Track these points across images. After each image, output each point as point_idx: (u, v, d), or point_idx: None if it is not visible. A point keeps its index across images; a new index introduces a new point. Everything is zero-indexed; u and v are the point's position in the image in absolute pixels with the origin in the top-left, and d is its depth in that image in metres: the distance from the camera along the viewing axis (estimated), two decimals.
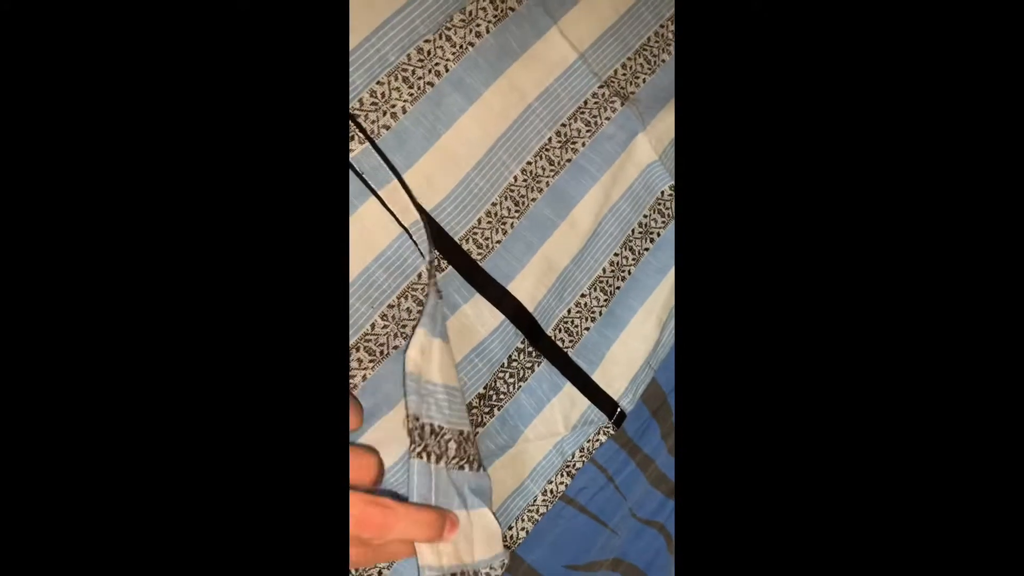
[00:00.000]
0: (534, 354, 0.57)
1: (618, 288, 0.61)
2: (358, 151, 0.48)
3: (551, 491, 0.58)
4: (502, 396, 0.56)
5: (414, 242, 0.50)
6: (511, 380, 0.56)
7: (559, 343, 0.58)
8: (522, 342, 0.56)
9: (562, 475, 0.59)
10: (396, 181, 0.49)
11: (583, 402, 0.59)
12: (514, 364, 0.56)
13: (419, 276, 0.51)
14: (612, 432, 0.60)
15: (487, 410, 0.56)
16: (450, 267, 0.53)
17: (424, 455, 0.45)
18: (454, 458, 0.47)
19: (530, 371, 0.57)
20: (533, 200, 0.57)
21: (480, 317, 0.54)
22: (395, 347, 0.50)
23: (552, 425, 0.58)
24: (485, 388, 0.55)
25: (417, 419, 0.45)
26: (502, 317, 0.55)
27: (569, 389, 0.59)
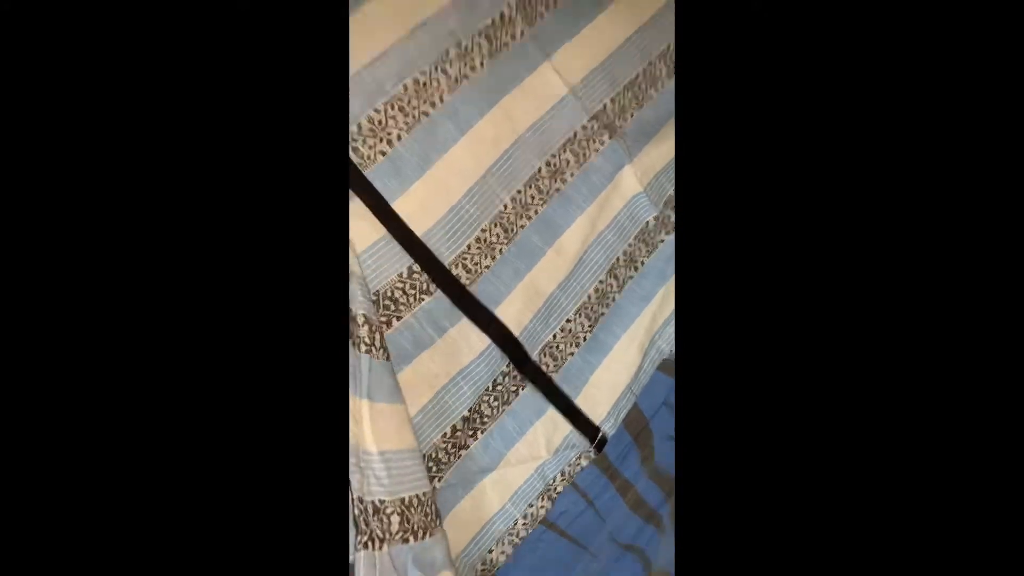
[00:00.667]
0: (519, 378, 0.58)
1: (602, 315, 0.63)
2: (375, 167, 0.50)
3: (532, 515, 0.59)
4: (486, 419, 0.57)
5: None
6: (495, 403, 0.58)
7: (544, 367, 0.60)
8: (507, 366, 0.58)
9: (543, 499, 0.60)
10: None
11: (566, 426, 0.60)
12: (499, 388, 0.57)
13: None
14: (593, 456, 0.62)
15: (471, 433, 0.57)
16: (439, 291, 0.54)
17: (370, 543, 0.44)
18: (397, 533, 0.47)
19: (514, 395, 0.58)
20: (522, 227, 0.59)
21: (467, 341, 0.56)
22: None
23: (535, 448, 0.60)
24: (470, 411, 0.56)
25: (361, 501, 0.45)
26: (488, 341, 0.56)
27: (552, 413, 0.60)
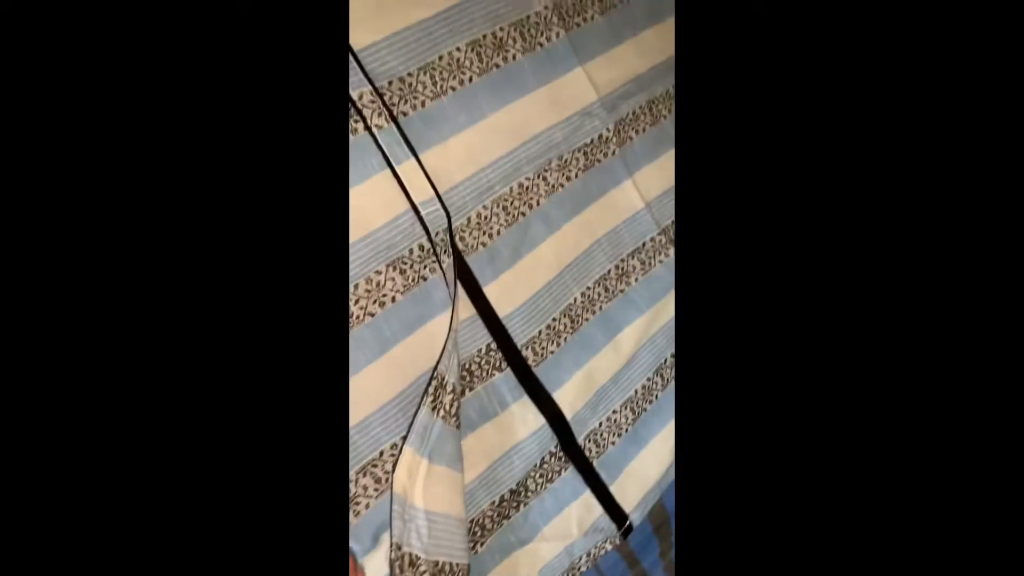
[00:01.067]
0: (563, 459, 0.63)
1: (645, 410, 0.68)
2: (447, 263, 0.56)
3: None
4: (530, 494, 0.62)
5: (489, 349, 0.58)
6: (540, 480, 0.62)
7: (587, 452, 0.65)
8: (555, 446, 0.63)
9: None
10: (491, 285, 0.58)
11: (598, 510, 0.65)
12: (545, 465, 0.62)
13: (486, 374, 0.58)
14: (618, 543, 0.66)
15: (515, 504, 0.61)
16: (508, 368, 0.60)
17: None
18: None
19: (558, 474, 0.63)
20: (587, 321, 0.65)
21: (524, 418, 0.61)
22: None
23: (567, 527, 0.64)
24: (517, 484, 0.61)
25: (399, 548, 0.48)
26: (543, 420, 0.62)
27: (588, 496, 0.64)
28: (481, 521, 0.58)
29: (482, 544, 0.58)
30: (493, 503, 0.59)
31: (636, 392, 0.68)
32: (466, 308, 0.57)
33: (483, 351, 0.58)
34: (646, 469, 0.68)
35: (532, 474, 0.62)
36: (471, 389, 0.58)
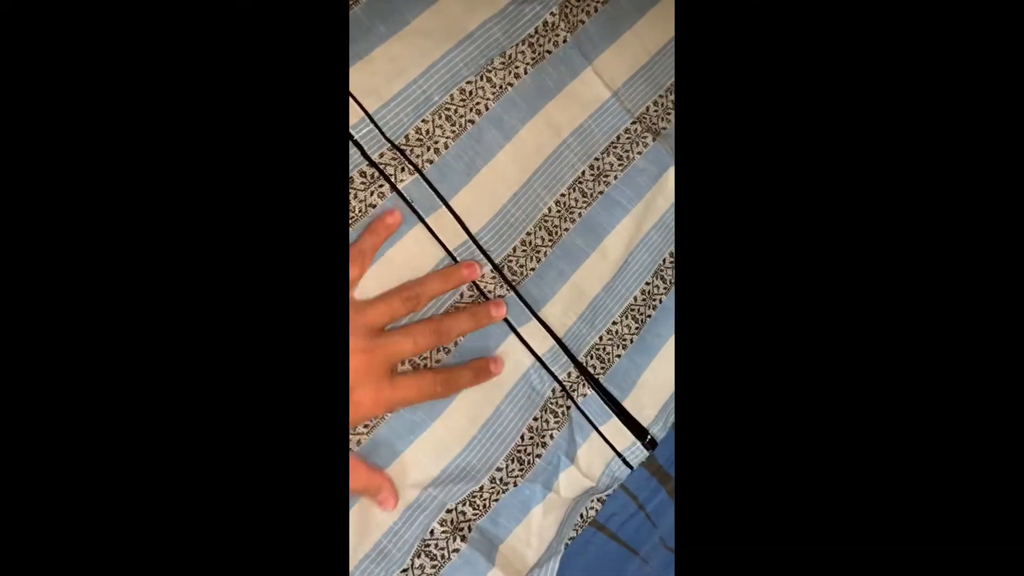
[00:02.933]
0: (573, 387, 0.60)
1: (649, 316, 0.64)
2: (408, 181, 0.53)
3: (582, 515, 0.61)
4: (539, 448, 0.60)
5: (455, 260, 0.55)
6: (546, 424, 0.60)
7: (591, 369, 0.61)
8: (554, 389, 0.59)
9: (593, 500, 0.61)
10: (444, 208, 0.55)
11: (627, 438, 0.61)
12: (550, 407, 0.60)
13: (461, 296, 0.55)
14: (644, 458, 0.63)
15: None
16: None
17: None
18: None
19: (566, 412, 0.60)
20: (566, 230, 0.61)
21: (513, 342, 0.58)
22: (437, 360, 0.54)
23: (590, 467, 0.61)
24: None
25: None
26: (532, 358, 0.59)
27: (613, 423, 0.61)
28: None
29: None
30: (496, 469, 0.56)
31: (636, 298, 0.64)
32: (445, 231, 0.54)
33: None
34: (660, 378, 0.64)
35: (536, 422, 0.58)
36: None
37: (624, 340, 0.63)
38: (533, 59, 0.59)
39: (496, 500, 0.56)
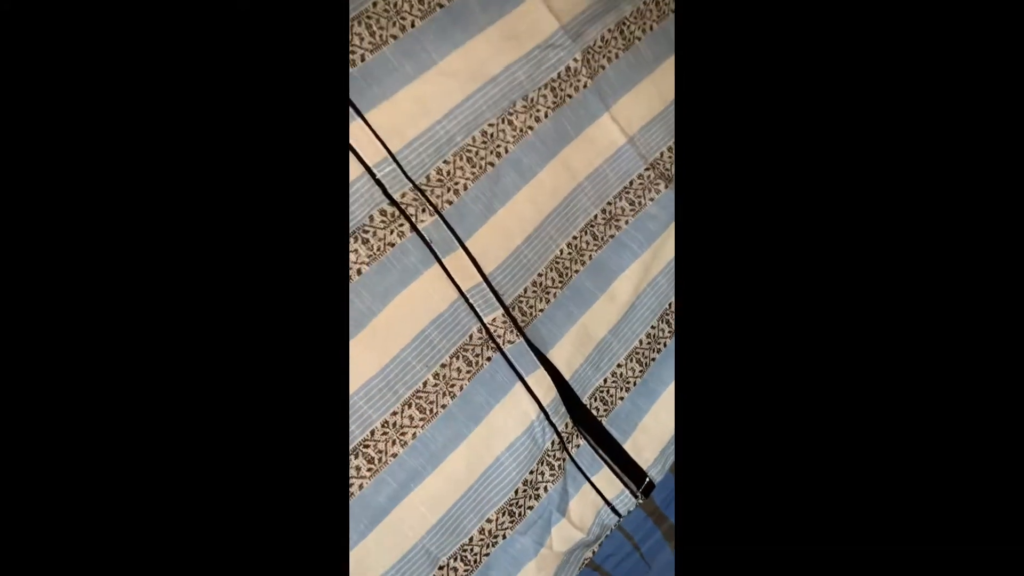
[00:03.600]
0: (569, 440, 0.60)
1: (653, 360, 0.66)
2: (428, 222, 0.54)
3: (579, 556, 0.62)
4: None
5: (468, 302, 0.55)
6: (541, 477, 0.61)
7: (594, 411, 0.62)
8: (552, 442, 0.60)
9: (586, 549, 0.62)
10: (460, 249, 0.55)
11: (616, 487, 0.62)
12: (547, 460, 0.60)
13: (470, 337, 0.56)
14: (640, 501, 0.64)
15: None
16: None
17: None
18: None
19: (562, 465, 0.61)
20: (576, 272, 0.62)
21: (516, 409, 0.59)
22: (443, 406, 0.55)
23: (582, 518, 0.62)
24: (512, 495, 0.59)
25: None
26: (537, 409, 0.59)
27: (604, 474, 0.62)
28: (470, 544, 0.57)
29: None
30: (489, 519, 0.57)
31: (641, 342, 0.65)
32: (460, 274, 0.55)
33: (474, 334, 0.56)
34: (661, 422, 0.65)
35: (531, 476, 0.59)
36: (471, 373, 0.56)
37: (628, 383, 0.64)
38: (554, 103, 0.60)
39: (486, 555, 0.56)
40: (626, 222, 0.64)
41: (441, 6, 0.54)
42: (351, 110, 0.51)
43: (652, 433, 0.65)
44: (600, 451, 0.62)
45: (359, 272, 0.51)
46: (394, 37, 0.52)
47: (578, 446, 0.61)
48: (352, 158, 0.51)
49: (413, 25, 0.53)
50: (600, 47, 0.63)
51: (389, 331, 0.52)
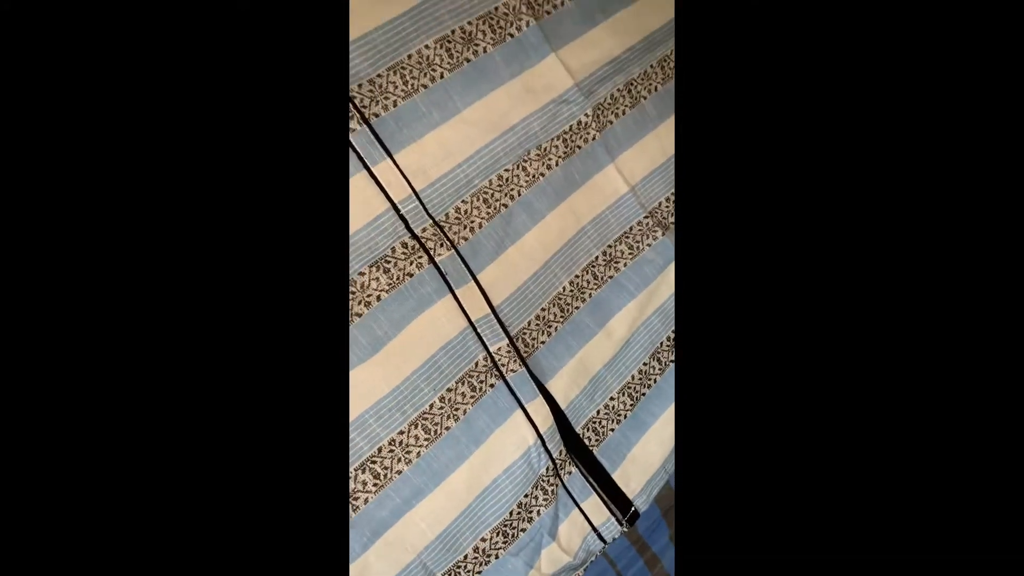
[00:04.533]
0: (561, 466, 0.65)
1: (643, 395, 0.70)
2: (445, 256, 0.59)
3: None
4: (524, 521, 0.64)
5: (476, 332, 0.60)
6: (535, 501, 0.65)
7: (586, 441, 0.67)
8: (547, 468, 0.64)
9: (571, 573, 0.66)
10: (473, 282, 0.60)
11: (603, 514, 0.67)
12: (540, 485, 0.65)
13: (476, 364, 0.60)
14: (625, 529, 0.68)
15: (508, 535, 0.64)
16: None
17: None
18: None
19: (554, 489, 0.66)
20: (576, 308, 0.67)
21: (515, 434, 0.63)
22: (447, 428, 0.59)
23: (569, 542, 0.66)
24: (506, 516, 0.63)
25: None
26: (535, 436, 0.64)
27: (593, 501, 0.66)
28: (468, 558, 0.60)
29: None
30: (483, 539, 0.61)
31: (633, 377, 0.70)
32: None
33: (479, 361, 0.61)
34: (648, 454, 0.70)
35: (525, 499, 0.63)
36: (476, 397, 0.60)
37: (619, 415, 0.69)
38: (565, 153, 0.66)
39: (479, 572, 0.60)
40: (624, 264, 0.70)
41: (468, 60, 0.60)
42: (382, 150, 0.56)
43: (640, 464, 0.69)
44: (590, 479, 0.66)
45: (378, 299, 0.56)
46: (424, 87, 0.58)
47: (570, 473, 0.65)
48: (379, 194, 0.56)
49: (442, 76, 0.59)
50: (609, 104, 0.69)
51: (402, 355, 0.57)
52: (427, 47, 0.58)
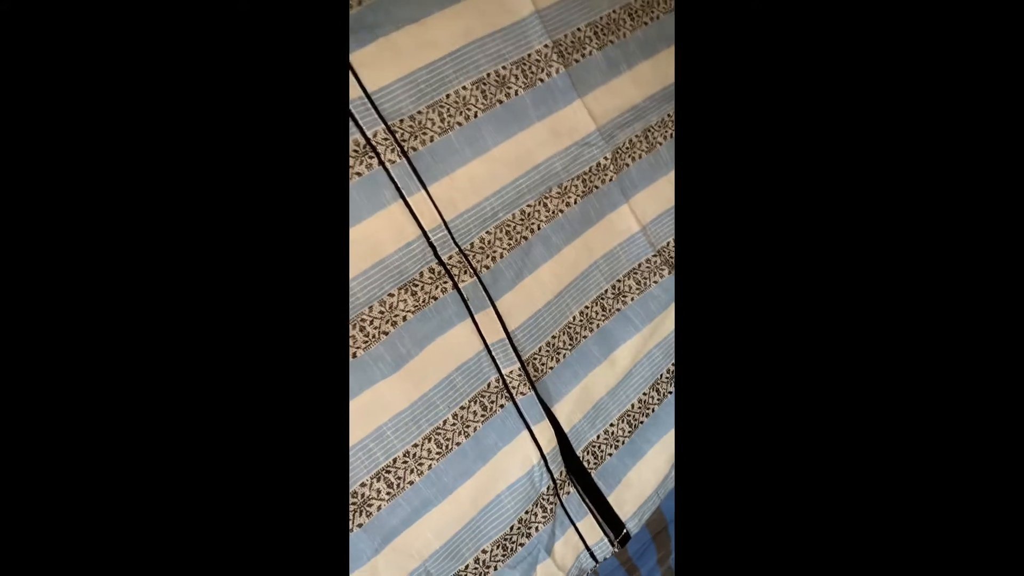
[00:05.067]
0: (561, 487, 0.69)
1: (641, 423, 0.75)
2: (468, 282, 0.63)
3: None
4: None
5: (491, 355, 0.64)
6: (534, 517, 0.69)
7: (585, 463, 0.71)
8: (548, 488, 0.68)
9: None
10: (491, 308, 0.64)
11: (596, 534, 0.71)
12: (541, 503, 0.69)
13: (488, 385, 0.64)
14: (616, 550, 0.72)
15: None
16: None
17: None
18: None
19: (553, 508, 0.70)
20: (584, 338, 0.71)
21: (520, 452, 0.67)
22: (458, 443, 0.63)
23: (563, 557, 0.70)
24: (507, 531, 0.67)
25: None
26: (538, 456, 0.68)
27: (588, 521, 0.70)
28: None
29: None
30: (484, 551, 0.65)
31: (633, 406, 0.74)
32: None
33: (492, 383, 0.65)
34: (643, 479, 0.74)
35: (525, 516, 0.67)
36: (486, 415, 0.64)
37: (618, 441, 0.73)
38: (583, 192, 0.71)
39: None
40: (632, 299, 0.74)
41: (501, 102, 0.65)
42: (418, 182, 0.60)
43: (634, 489, 0.73)
44: (587, 500, 0.70)
45: (404, 319, 0.60)
46: (459, 124, 0.63)
47: (568, 493, 0.69)
48: (412, 222, 0.60)
49: (476, 115, 0.64)
50: (627, 148, 0.74)
51: (422, 372, 0.61)
52: (464, 88, 0.63)
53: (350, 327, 0.57)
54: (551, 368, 0.69)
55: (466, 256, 0.64)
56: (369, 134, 0.58)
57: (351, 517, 0.58)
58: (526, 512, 0.66)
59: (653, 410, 0.75)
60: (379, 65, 0.58)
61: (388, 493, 0.60)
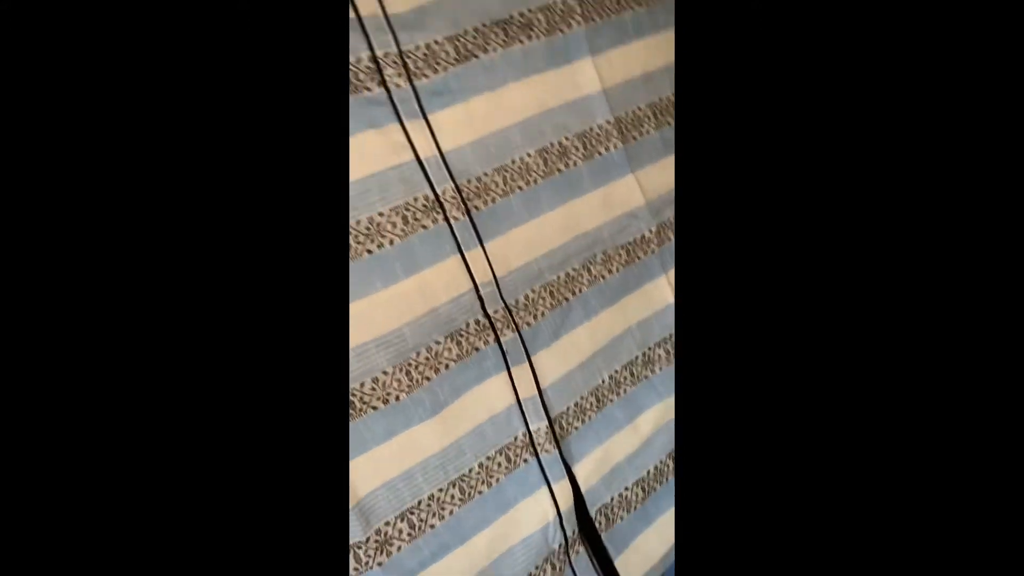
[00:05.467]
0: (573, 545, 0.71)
1: (655, 490, 0.76)
2: (509, 337, 0.66)
3: None
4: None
5: (522, 410, 0.67)
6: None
7: (597, 524, 0.73)
8: (559, 545, 0.70)
9: None
10: (527, 363, 0.67)
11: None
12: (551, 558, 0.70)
13: (515, 439, 0.67)
14: None
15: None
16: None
17: None
18: None
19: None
20: (611, 401, 0.74)
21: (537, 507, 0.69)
22: (480, 492, 0.65)
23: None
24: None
25: None
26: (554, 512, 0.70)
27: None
28: None
29: None
30: None
31: (649, 472, 0.76)
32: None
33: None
34: (651, 546, 0.75)
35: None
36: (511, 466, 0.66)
37: (631, 506, 0.75)
38: (626, 261, 0.74)
39: None
40: (660, 368, 0.77)
41: (560, 171, 0.69)
42: (476, 239, 0.64)
43: (641, 554, 0.75)
44: (595, 561, 0.72)
45: (447, 367, 0.63)
46: (520, 188, 0.66)
47: (578, 552, 0.71)
48: (466, 276, 0.63)
49: (536, 181, 0.67)
50: (671, 223, 0.77)
51: (455, 419, 0.63)
52: (528, 155, 0.67)
53: (398, 371, 0.60)
54: (576, 428, 0.72)
55: (511, 312, 0.67)
56: (439, 191, 0.61)
57: (371, 555, 0.59)
58: (536, 567, 0.68)
59: (667, 478, 0.77)
60: (455, 128, 0.62)
61: (409, 534, 0.62)
